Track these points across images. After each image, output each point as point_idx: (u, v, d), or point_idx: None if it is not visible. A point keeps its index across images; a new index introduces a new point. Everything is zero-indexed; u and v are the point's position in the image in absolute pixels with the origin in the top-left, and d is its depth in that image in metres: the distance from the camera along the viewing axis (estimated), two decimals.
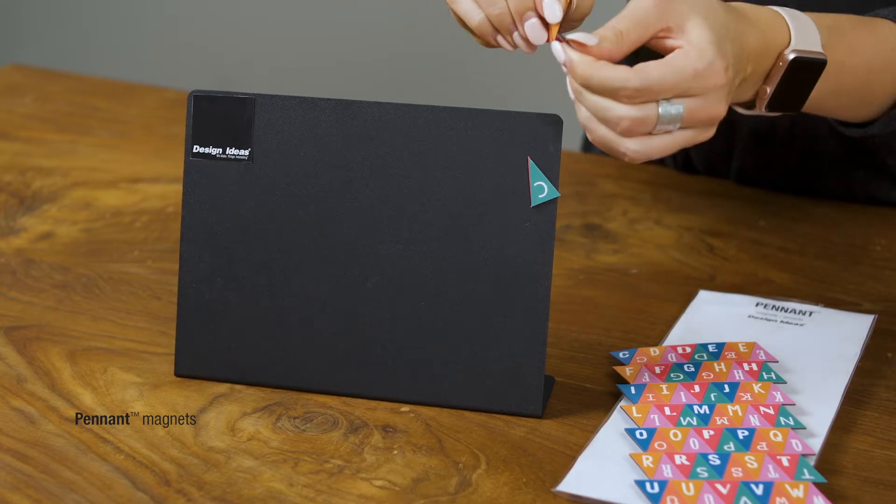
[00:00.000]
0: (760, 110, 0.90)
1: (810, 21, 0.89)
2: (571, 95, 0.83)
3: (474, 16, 0.87)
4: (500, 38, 0.87)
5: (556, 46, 0.82)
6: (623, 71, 0.79)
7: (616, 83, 0.79)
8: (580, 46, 0.81)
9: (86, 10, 3.21)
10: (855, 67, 0.95)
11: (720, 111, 0.82)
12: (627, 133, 0.81)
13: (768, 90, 0.88)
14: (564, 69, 0.82)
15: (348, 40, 2.89)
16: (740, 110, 0.92)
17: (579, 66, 0.81)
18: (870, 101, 0.99)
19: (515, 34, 0.86)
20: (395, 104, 0.86)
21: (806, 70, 0.88)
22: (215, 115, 0.88)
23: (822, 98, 0.93)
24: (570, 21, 0.88)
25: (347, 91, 2.62)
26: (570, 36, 0.82)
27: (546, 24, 0.85)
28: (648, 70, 0.80)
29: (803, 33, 0.88)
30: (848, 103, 0.98)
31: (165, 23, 3.11)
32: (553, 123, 0.84)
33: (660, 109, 0.80)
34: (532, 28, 0.85)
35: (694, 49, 0.80)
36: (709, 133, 0.83)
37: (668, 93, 0.80)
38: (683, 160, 1.28)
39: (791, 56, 0.87)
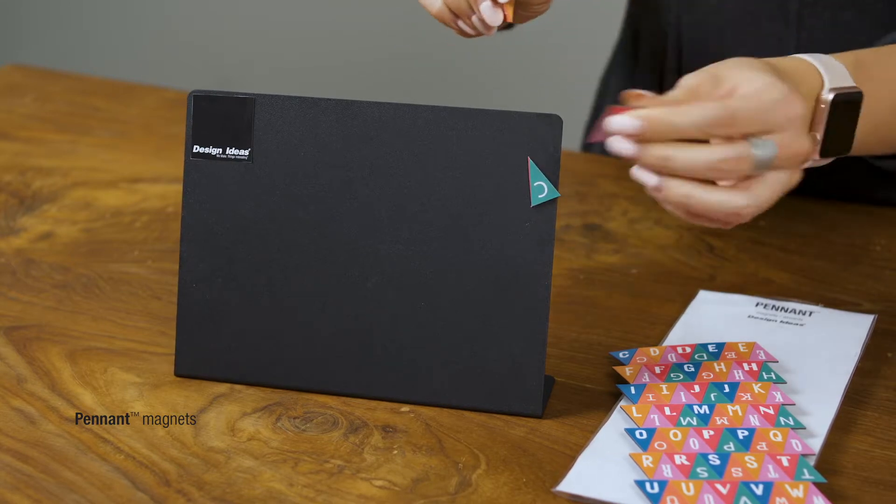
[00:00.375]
0: (815, 157, 0.87)
1: (835, 60, 0.89)
2: (650, 182, 0.79)
3: (434, 3, 0.90)
4: (460, 23, 0.89)
5: (619, 125, 0.78)
6: (702, 106, 0.78)
7: (700, 116, 0.78)
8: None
9: (86, 10, 3.21)
10: (886, 97, 0.93)
11: (805, 145, 0.81)
12: (724, 176, 0.79)
13: (818, 136, 0.86)
14: (622, 146, 0.79)
15: (348, 40, 2.89)
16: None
17: (656, 118, 0.78)
18: None
19: (474, 17, 0.89)
20: (395, 104, 0.86)
21: (846, 107, 0.87)
22: (215, 115, 0.88)
23: (865, 134, 0.91)
24: (529, 4, 0.90)
25: (347, 91, 2.62)
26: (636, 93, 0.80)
27: (499, 4, 0.88)
28: (728, 101, 0.79)
29: (833, 73, 0.88)
30: (887, 136, 0.95)
31: (165, 23, 3.11)
32: (553, 123, 0.84)
33: (752, 146, 0.79)
34: (486, 9, 0.88)
35: (763, 84, 0.80)
36: (798, 175, 0.82)
37: (753, 123, 0.79)
38: None
39: (830, 96, 0.86)
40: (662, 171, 0.80)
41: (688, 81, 0.81)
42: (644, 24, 1.28)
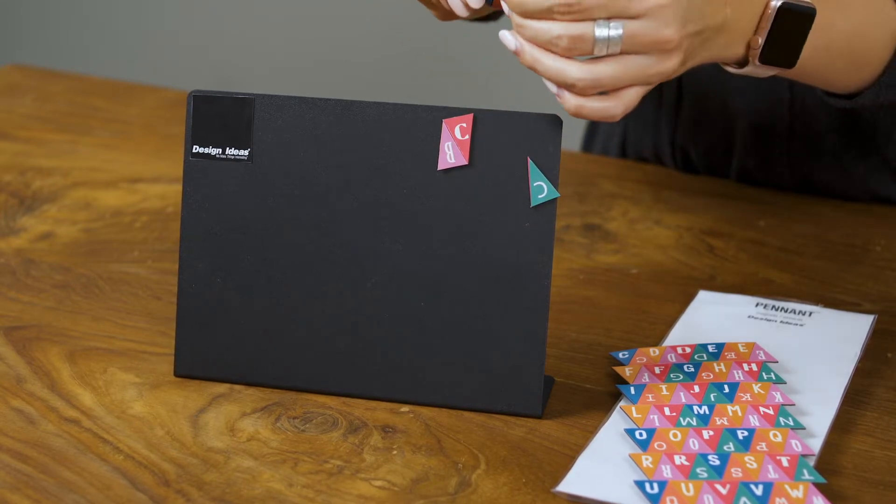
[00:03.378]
0: (753, 63, 0.88)
1: None
2: (509, 44, 0.82)
3: None
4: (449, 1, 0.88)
5: None
6: None
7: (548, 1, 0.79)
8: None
9: (86, 10, 3.21)
10: (843, 26, 0.94)
11: (667, 35, 0.80)
12: (567, 52, 0.80)
13: (759, 41, 0.86)
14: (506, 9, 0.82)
15: (348, 40, 2.89)
16: (732, 69, 0.90)
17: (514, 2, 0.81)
18: (860, 66, 0.98)
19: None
20: (395, 104, 0.86)
21: (795, 20, 0.87)
22: (215, 116, 0.88)
23: (813, 57, 0.92)
24: None
25: (347, 91, 2.62)
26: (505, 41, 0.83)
27: None
28: None
29: None
30: (838, 66, 0.96)
31: (165, 23, 3.12)
32: (553, 123, 0.84)
33: (596, 26, 0.79)
34: None
35: None
36: (666, 65, 0.82)
37: (602, 10, 0.79)
38: (683, 159, 1.28)
39: (778, 3, 0.86)
40: (520, 36, 0.82)
41: None
42: None
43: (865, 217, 1.18)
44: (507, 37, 0.83)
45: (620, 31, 0.79)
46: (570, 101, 0.82)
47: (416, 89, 2.77)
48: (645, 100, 1.29)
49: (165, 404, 0.87)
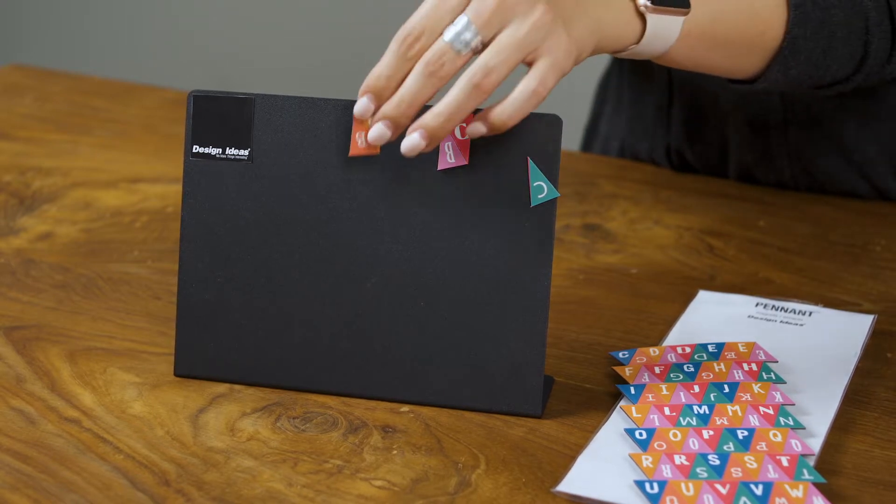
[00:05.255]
0: (648, 10, 0.85)
1: None
2: (418, 144, 0.81)
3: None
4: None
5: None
6: (389, 49, 0.81)
7: (390, 52, 0.81)
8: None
9: (86, 10, 3.21)
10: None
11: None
12: (440, 77, 0.79)
13: None
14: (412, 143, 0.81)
15: (348, 40, 2.89)
16: (633, 49, 0.87)
17: (366, 85, 0.81)
18: (752, 46, 0.94)
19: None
20: None
21: None
22: (215, 115, 0.88)
23: (705, 18, 0.89)
24: None
25: (347, 91, 2.62)
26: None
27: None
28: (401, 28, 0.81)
29: None
30: (725, 33, 0.92)
31: (165, 23, 3.12)
32: (553, 123, 0.84)
33: (443, 35, 0.80)
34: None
35: None
36: (533, 16, 0.80)
37: (428, 18, 0.80)
38: (680, 163, 1.28)
39: None
40: (409, 118, 0.81)
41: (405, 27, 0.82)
42: None
43: (865, 217, 1.18)
44: (412, 143, 0.81)
45: (465, 18, 0.79)
46: (495, 116, 0.80)
47: None
48: (642, 104, 1.29)
49: (165, 404, 0.87)
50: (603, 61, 1.42)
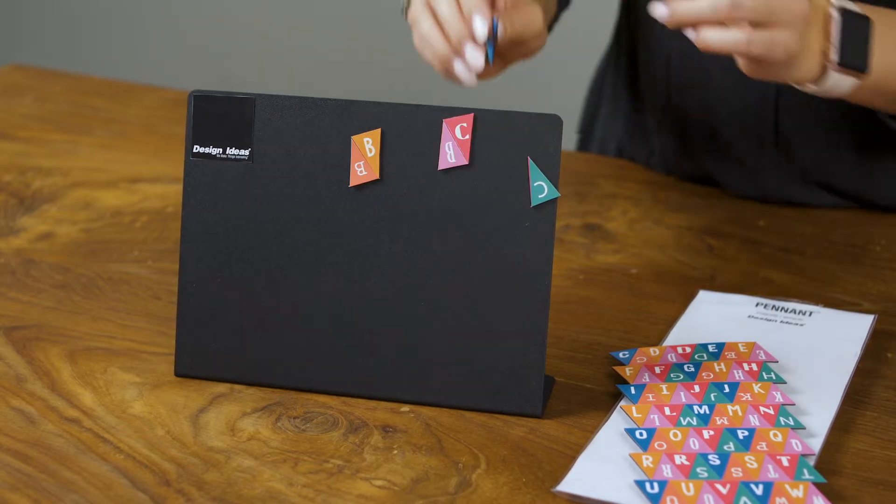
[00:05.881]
0: (832, 67, 0.95)
1: None
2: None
3: (425, 53, 0.95)
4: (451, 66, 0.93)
5: None
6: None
7: (713, 3, 0.88)
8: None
9: (86, 10, 3.21)
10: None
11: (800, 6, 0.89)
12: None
13: (833, 44, 0.94)
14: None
15: (348, 40, 2.89)
16: (811, 88, 0.97)
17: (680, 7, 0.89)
18: None
19: (456, 64, 0.92)
20: (395, 104, 0.86)
21: (855, 25, 0.95)
22: (215, 115, 0.88)
23: (885, 73, 0.98)
24: (523, 43, 0.94)
25: (347, 91, 2.62)
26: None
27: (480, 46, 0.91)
28: None
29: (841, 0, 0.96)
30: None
31: (165, 23, 3.12)
32: (553, 123, 0.84)
33: None
34: (469, 52, 0.91)
35: None
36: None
37: (758, 13, 0.88)
38: (673, 171, 1.27)
39: (836, 12, 0.94)
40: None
41: None
42: (637, 31, 1.27)
43: (865, 217, 1.18)
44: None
45: None
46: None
47: (416, 89, 2.77)
48: (639, 111, 1.29)
49: (166, 404, 0.87)
50: (595, 61, 1.42)
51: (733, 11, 0.88)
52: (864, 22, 0.96)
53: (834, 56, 0.95)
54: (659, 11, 0.90)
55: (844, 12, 0.95)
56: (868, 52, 0.96)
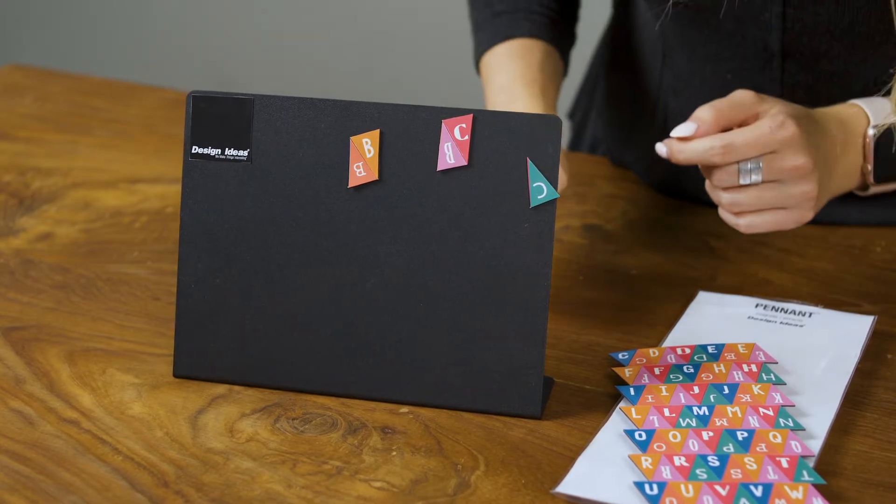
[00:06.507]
0: (871, 183, 1.03)
1: (880, 99, 1.02)
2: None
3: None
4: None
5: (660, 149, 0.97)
6: (709, 138, 0.95)
7: (705, 147, 0.95)
8: (683, 140, 0.95)
9: (86, 10, 3.21)
10: None
11: (801, 161, 0.94)
12: (719, 183, 0.96)
13: (869, 167, 1.01)
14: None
15: (348, 41, 2.89)
16: (859, 192, 1.05)
17: (676, 153, 0.96)
18: None
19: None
20: (395, 104, 0.86)
21: (890, 138, 1.01)
22: (214, 116, 0.88)
23: None
24: None
25: (347, 91, 2.62)
26: (673, 133, 0.96)
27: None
28: (731, 133, 0.95)
29: (876, 111, 1.02)
30: None
31: (165, 23, 3.11)
32: (552, 124, 0.84)
33: (739, 173, 0.95)
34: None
35: (769, 116, 0.95)
36: (804, 188, 0.96)
37: (749, 148, 0.94)
38: (676, 192, 1.27)
39: (871, 132, 1.00)
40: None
41: (738, 95, 0.97)
42: (633, 27, 1.27)
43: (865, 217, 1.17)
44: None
45: (760, 173, 0.95)
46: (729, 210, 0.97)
47: (416, 90, 2.77)
48: (631, 124, 1.29)
49: (164, 405, 0.87)
50: (585, 63, 1.42)
51: (726, 156, 0.94)
52: None
53: (871, 177, 1.02)
54: (660, 150, 0.97)
55: (879, 136, 1.00)
56: None
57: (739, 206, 0.96)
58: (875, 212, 1.15)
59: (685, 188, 1.23)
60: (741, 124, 0.96)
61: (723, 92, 1.00)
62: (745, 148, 0.94)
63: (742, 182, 0.95)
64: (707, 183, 0.98)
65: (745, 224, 0.97)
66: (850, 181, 1.03)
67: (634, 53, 1.25)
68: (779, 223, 0.97)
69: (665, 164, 1.26)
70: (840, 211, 1.14)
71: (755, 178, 0.95)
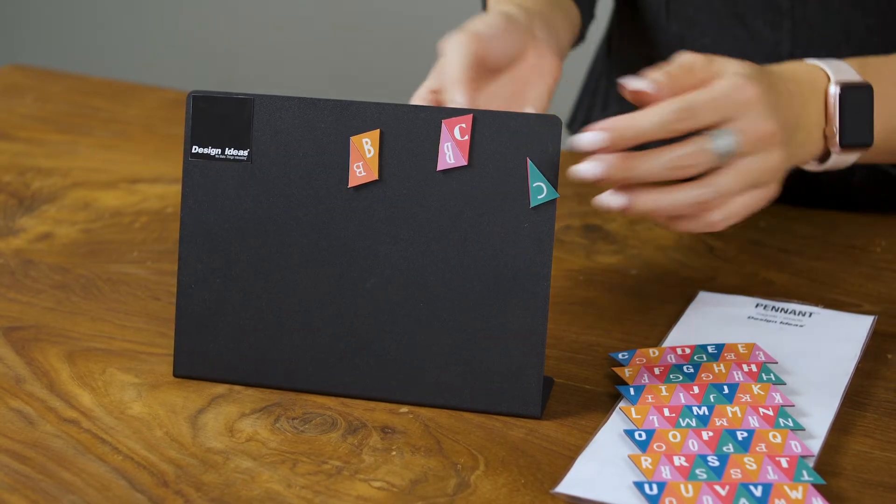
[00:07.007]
0: (835, 150, 0.92)
1: (840, 61, 0.93)
2: (617, 203, 0.83)
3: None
4: None
5: (585, 139, 0.83)
6: (661, 105, 0.82)
7: (660, 115, 0.82)
8: (640, 94, 0.84)
9: (86, 10, 3.21)
10: None
11: (769, 127, 0.84)
12: (685, 172, 0.83)
13: (834, 128, 0.91)
14: (587, 170, 0.83)
15: (348, 41, 2.89)
16: (813, 167, 0.94)
17: (620, 126, 0.82)
18: None
19: None
20: (395, 104, 0.86)
21: (856, 98, 0.91)
22: (214, 116, 0.88)
23: (884, 132, 0.94)
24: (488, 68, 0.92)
25: (347, 91, 2.62)
26: (631, 86, 0.84)
27: None
28: (689, 95, 0.83)
29: (837, 70, 0.92)
30: None
31: (165, 23, 3.12)
32: (552, 124, 0.84)
33: (711, 137, 0.83)
34: None
35: (725, 77, 0.85)
36: (772, 159, 0.85)
37: (708, 110, 0.82)
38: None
39: (835, 88, 0.91)
40: (628, 182, 0.83)
41: (685, 58, 0.86)
42: (632, 25, 1.27)
43: (866, 218, 1.18)
44: (610, 199, 0.83)
45: (731, 134, 0.83)
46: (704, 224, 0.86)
47: (416, 89, 2.77)
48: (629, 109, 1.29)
49: (164, 405, 0.87)
50: (587, 62, 1.42)
51: (686, 121, 0.83)
52: (865, 93, 0.91)
53: (836, 141, 0.92)
54: (592, 138, 0.83)
55: (845, 88, 0.91)
56: (871, 125, 0.92)
57: (712, 195, 0.84)
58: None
59: None
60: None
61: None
62: (706, 110, 0.83)
63: (718, 150, 0.83)
64: (652, 196, 0.84)
65: (722, 217, 0.85)
66: (810, 148, 0.92)
67: (639, 38, 1.24)
68: (752, 205, 0.86)
69: None
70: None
71: (726, 143, 0.83)
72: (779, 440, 0.81)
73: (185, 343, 0.90)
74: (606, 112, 1.33)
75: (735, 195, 0.85)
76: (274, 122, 0.88)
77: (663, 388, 0.87)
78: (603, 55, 1.37)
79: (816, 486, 0.77)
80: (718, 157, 0.83)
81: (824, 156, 0.94)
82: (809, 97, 0.90)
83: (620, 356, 0.92)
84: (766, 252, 1.11)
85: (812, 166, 0.95)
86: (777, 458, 0.79)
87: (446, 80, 0.91)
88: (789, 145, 0.87)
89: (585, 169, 0.82)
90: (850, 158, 0.94)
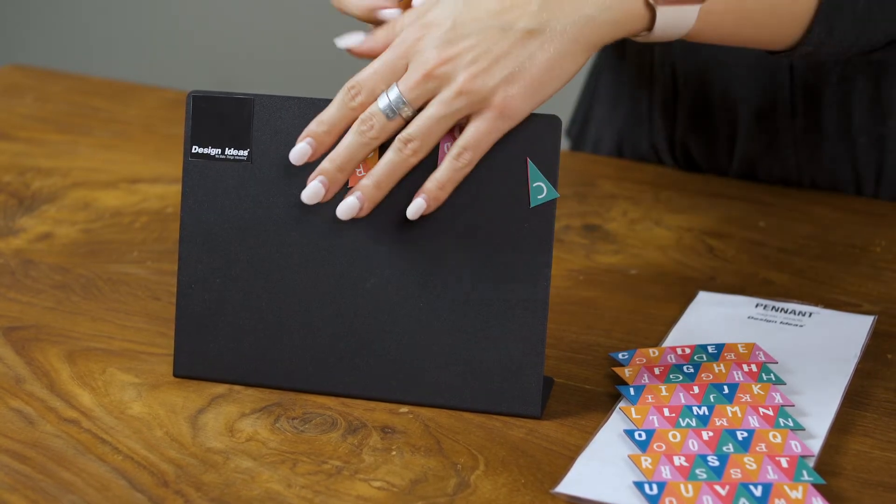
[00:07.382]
0: (657, 4, 0.82)
1: None
2: (354, 211, 0.85)
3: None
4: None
5: None
6: (336, 99, 0.85)
7: (337, 99, 0.85)
8: (352, 51, 0.87)
9: (86, 10, 3.21)
10: None
11: (431, 57, 0.82)
12: (369, 131, 0.83)
13: None
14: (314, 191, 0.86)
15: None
16: (643, 37, 0.84)
17: (312, 129, 0.85)
18: (786, 10, 0.89)
19: None
20: None
21: None
22: (214, 116, 0.88)
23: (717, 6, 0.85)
24: None
25: None
26: (340, 43, 0.88)
27: None
28: (349, 82, 0.85)
29: None
30: (755, 20, 0.88)
31: (165, 23, 3.12)
32: (552, 124, 0.84)
33: (379, 99, 0.84)
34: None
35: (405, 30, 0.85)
36: (457, 82, 0.82)
37: (371, 78, 0.85)
38: (683, 155, 1.28)
39: None
40: (340, 176, 0.85)
41: (390, 13, 0.89)
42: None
43: (865, 218, 1.18)
44: (347, 209, 0.84)
45: (396, 89, 0.83)
46: (427, 188, 0.84)
47: None
48: (637, 99, 1.29)
49: (164, 405, 0.87)
50: (588, 64, 1.42)
51: (357, 96, 0.84)
52: None
53: None
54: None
55: None
56: None
57: (425, 133, 0.82)
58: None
59: (719, 161, 1.23)
60: None
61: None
62: (369, 79, 0.84)
63: (381, 108, 0.83)
64: (367, 180, 0.84)
65: (459, 149, 0.82)
66: (622, 23, 0.82)
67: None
68: (488, 129, 0.82)
69: (689, 130, 1.25)
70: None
71: (387, 100, 0.83)
72: (779, 440, 0.81)
73: (185, 343, 0.90)
74: (616, 106, 1.33)
75: (435, 126, 0.83)
76: (274, 122, 0.88)
77: (663, 388, 0.87)
78: (603, 54, 1.36)
79: (816, 486, 0.77)
80: (389, 112, 0.83)
81: (649, 21, 0.83)
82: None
83: (620, 356, 0.92)
84: (765, 252, 1.11)
85: (642, 37, 0.85)
86: (777, 458, 0.79)
87: None
88: (559, 35, 0.81)
89: (346, 213, 0.85)
90: (681, 17, 0.82)
